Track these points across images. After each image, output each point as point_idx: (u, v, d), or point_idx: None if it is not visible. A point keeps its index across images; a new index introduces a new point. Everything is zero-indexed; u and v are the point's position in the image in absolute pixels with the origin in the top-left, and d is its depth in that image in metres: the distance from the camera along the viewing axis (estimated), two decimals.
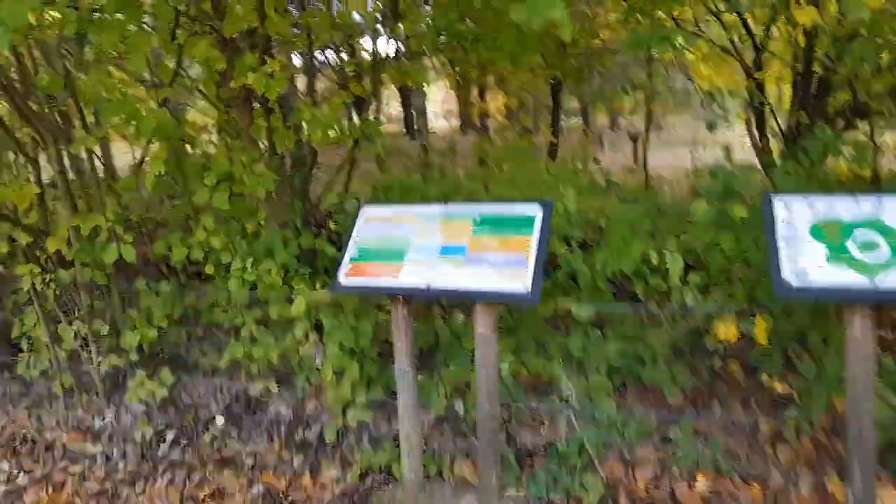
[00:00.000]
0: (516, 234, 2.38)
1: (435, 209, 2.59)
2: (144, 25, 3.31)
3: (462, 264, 2.36)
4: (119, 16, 2.88)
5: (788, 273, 1.97)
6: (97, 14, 2.87)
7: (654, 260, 2.71)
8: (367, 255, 2.53)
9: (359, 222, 2.65)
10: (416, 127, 12.94)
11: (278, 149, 3.32)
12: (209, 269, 3.13)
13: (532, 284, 2.23)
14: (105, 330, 3.36)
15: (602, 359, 2.78)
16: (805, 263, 1.98)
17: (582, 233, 3.10)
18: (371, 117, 4.06)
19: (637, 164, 10.86)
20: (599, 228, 3.44)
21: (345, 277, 2.50)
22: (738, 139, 5.29)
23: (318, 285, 2.93)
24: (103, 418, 3.37)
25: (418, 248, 2.47)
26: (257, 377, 3.19)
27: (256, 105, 3.33)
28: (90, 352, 3.38)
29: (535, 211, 2.40)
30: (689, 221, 2.89)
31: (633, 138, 13.17)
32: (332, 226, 3.47)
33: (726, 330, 2.58)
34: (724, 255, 2.79)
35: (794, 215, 2.10)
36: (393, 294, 2.45)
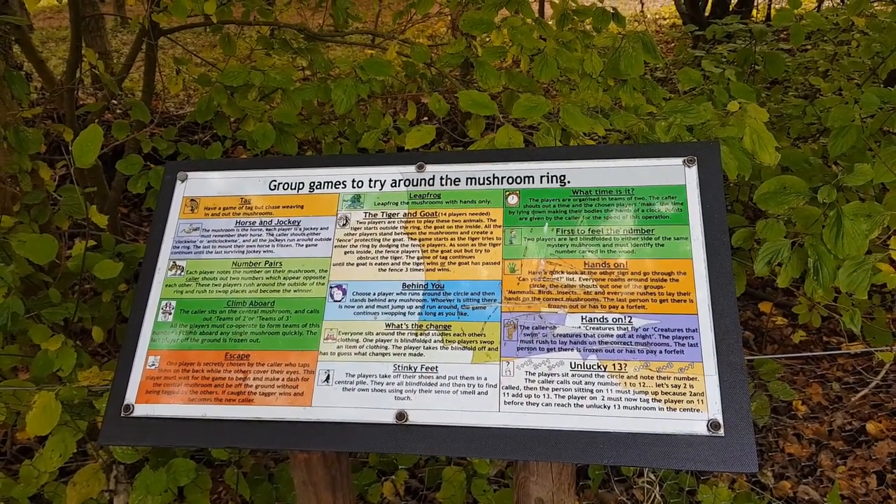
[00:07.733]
0: (645, 237, 0.92)
1: (390, 172, 1.04)
2: None
3: (487, 351, 0.89)
4: None
5: None
6: None
7: None
8: (205, 328, 0.96)
9: (170, 226, 1.05)
10: None
11: None
12: None
13: (724, 409, 0.81)
14: None
15: None
16: None
17: None
18: None
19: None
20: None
21: (139, 398, 0.95)
22: None
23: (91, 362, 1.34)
24: None
25: (357, 294, 0.95)
26: None
27: None
28: None
29: (677, 174, 0.94)
30: None
31: None
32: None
33: None
34: None
35: None
36: (290, 449, 0.96)
